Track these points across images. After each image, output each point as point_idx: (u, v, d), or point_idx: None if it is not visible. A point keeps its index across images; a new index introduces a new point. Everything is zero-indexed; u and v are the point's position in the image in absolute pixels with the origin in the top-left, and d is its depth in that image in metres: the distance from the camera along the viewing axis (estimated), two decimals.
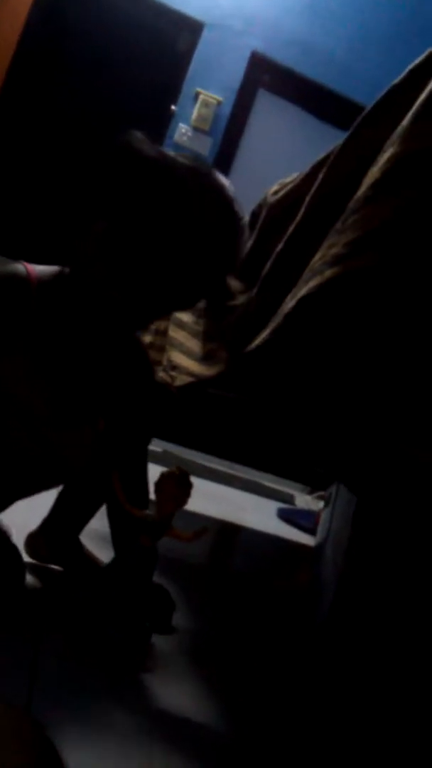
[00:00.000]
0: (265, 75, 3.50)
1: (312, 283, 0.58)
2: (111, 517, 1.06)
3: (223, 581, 1.50)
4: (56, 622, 0.90)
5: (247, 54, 3.45)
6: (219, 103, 3.40)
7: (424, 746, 0.78)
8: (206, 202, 0.82)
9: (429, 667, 0.80)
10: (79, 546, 1.10)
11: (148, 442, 1.05)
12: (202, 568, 1.54)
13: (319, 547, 1.03)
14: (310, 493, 3.04)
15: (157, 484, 0.95)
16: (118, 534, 1.02)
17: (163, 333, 1.36)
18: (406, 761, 0.77)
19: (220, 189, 0.84)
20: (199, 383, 0.90)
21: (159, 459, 2.82)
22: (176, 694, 0.84)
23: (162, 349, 1.34)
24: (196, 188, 0.81)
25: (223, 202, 0.84)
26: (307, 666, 0.99)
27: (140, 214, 0.80)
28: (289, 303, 0.62)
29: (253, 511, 2.52)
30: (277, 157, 3.33)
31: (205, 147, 3.40)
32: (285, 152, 3.32)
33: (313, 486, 2.73)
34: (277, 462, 2.14)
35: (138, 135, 0.83)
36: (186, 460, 2.97)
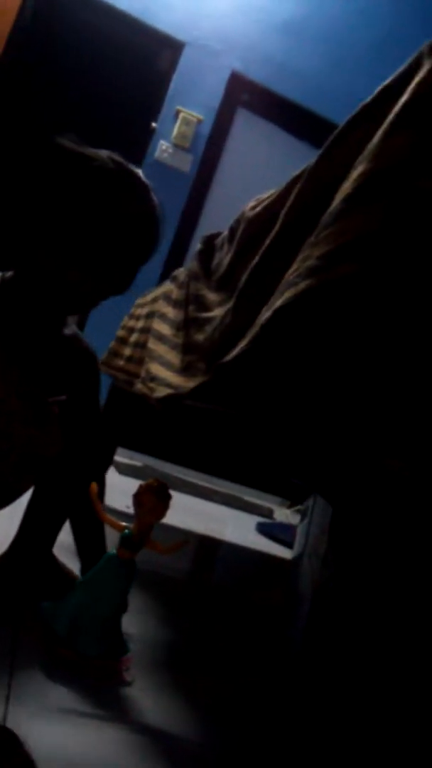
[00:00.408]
0: (244, 94, 3.56)
1: (287, 294, 0.59)
2: (76, 529, 1.06)
3: (202, 594, 1.50)
4: (32, 637, 0.90)
5: (226, 73, 3.51)
6: (199, 122, 3.44)
7: (402, 756, 0.79)
8: (120, 184, 0.89)
9: (405, 677, 0.81)
10: (53, 560, 1.09)
11: (103, 449, 1.08)
12: (181, 582, 1.53)
13: (296, 560, 1.03)
14: (290, 507, 3.05)
15: (136, 496, 0.95)
16: (85, 546, 1.03)
17: (143, 345, 1.36)
18: None
19: (132, 173, 0.92)
20: (177, 395, 0.91)
21: (139, 473, 2.81)
22: (154, 707, 0.84)
23: (141, 362, 1.34)
24: (111, 172, 0.89)
25: (137, 184, 0.92)
26: (284, 677, 0.99)
27: (55, 198, 0.87)
28: (266, 314, 0.63)
29: (233, 526, 2.52)
30: (256, 174, 3.38)
31: (186, 164, 3.44)
32: (263, 169, 3.38)
33: (292, 500, 2.74)
34: (256, 476, 2.15)
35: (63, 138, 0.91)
36: (166, 474, 2.96)
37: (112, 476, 2.39)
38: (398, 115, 0.55)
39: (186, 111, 3.42)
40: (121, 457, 3.06)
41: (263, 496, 3.15)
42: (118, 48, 3.38)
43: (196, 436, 1.91)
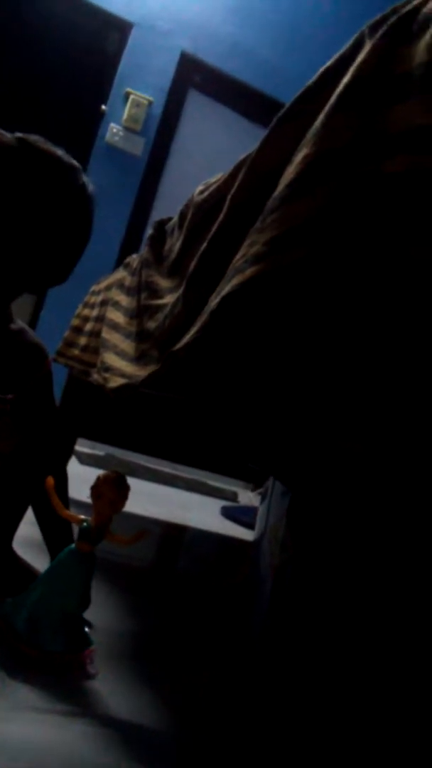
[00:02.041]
0: (195, 75, 3.52)
1: (234, 281, 0.58)
2: (42, 524, 1.04)
3: (167, 582, 1.50)
4: None
5: (176, 54, 3.45)
6: (150, 103, 3.38)
7: (367, 737, 0.80)
8: (31, 165, 0.87)
9: (365, 657, 0.82)
10: (14, 556, 1.07)
11: (62, 441, 1.07)
12: (145, 571, 1.53)
13: (257, 542, 1.04)
14: (253, 489, 3.08)
15: (94, 488, 0.94)
16: (53, 540, 1.01)
17: (97, 335, 1.34)
18: (351, 752, 0.79)
19: (46, 152, 0.90)
20: (131, 385, 0.90)
21: (101, 462, 2.79)
22: (119, 698, 0.84)
23: (96, 351, 1.32)
24: (13, 150, 0.87)
25: (63, 168, 0.90)
26: (247, 663, 1.00)
27: None
28: (214, 301, 0.63)
29: (197, 511, 2.53)
30: (209, 157, 3.35)
31: (138, 147, 3.39)
32: (216, 152, 3.35)
33: (255, 483, 2.76)
34: (218, 461, 2.16)
35: None
36: (129, 463, 2.95)
37: (74, 467, 2.36)
38: (340, 97, 0.55)
39: (136, 93, 3.36)
40: (83, 447, 3.03)
41: (228, 480, 3.17)
42: (65, 29, 3.29)
43: (157, 423, 1.90)
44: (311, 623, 0.80)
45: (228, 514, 2.46)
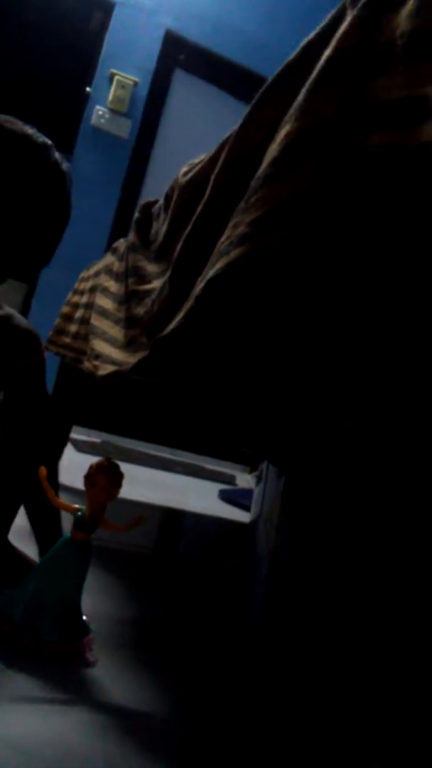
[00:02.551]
0: (181, 54, 3.46)
1: (219, 264, 0.57)
2: (31, 514, 1.04)
3: (166, 568, 1.50)
4: None
5: (161, 33, 3.39)
6: (135, 84, 3.33)
7: (366, 719, 0.81)
8: (16, 149, 0.86)
9: (361, 638, 0.82)
10: (10, 547, 1.07)
11: (56, 429, 1.06)
12: (146, 557, 1.53)
13: (253, 524, 1.04)
14: (251, 472, 3.08)
15: (87, 477, 0.93)
16: (42, 531, 1.01)
17: (87, 322, 1.33)
18: (349, 735, 0.79)
19: (27, 135, 0.88)
20: (121, 372, 0.89)
21: (98, 450, 2.78)
22: (119, 686, 0.84)
23: (87, 339, 1.31)
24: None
25: (34, 147, 0.88)
26: (246, 643, 1.00)
27: None
28: (199, 285, 0.62)
29: (196, 495, 2.53)
30: (197, 137, 3.30)
31: (125, 129, 3.34)
32: (204, 132, 3.29)
33: (252, 466, 2.76)
34: (214, 445, 2.16)
35: None
36: (126, 449, 2.94)
37: (71, 455, 2.36)
38: (322, 70, 0.53)
39: (121, 74, 3.30)
40: (80, 434, 3.03)
41: (225, 463, 3.17)
42: (46, 10, 3.22)
43: (154, 409, 1.89)
44: (308, 606, 0.80)
45: (226, 497, 2.47)
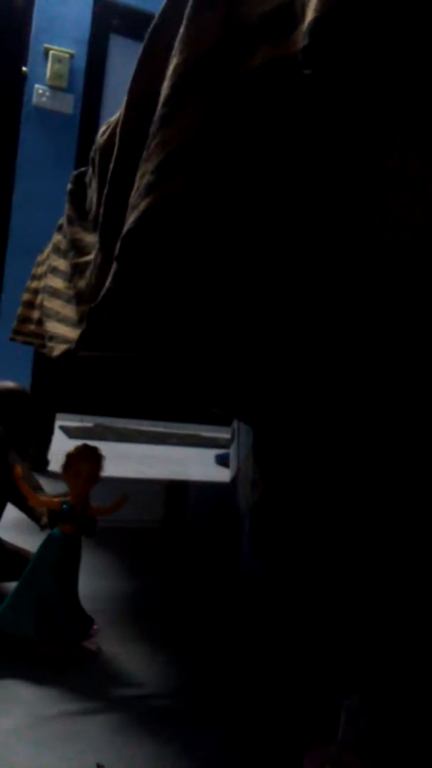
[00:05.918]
0: (114, 19, 3.34)
1: (131, 219, 0.54)
2: (22, 508, 1.02)
3: (167, 540, 1.50)
4: None
5: (89, 0, 3.27)
6: (72, 57, 3.23)
7: (348, 652, 0.80)
8: None
9: (344, 589, 0.82)
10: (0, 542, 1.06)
11: (35, 422, 1.02)
12: (157, 531, 1.52)
13: (233, 482, 1.03)
14: None
15: (66, 466, 0.90)
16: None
17: (41, 306, 1.30)
18: (331, 670, 0.79)
19: None
20: (71, 349, 0.87)
21: (91, 433, 2.77)
22: (126, 664, 0.83)
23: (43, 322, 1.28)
24: None
25: None
26: (236, 599, 1.00)
27: None
28: (118, 245, 0.59)
29: (193, 464, 2.53)
30: None
31: (67, 105, 3.25)
32: None
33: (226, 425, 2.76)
34: (204, 411, 2.14)
35: None
36: (119, 429, 2.94)
37: (63, 442, 2.35)
38: None
39: (55, 48, 3.19)
40: (71, 421, 3.01)
41: (220, 429, 3.17)
42: None
43: (140, 385, 1.88)
44: (291, 560, 0.79)
45: (222, 461, 2.46)
